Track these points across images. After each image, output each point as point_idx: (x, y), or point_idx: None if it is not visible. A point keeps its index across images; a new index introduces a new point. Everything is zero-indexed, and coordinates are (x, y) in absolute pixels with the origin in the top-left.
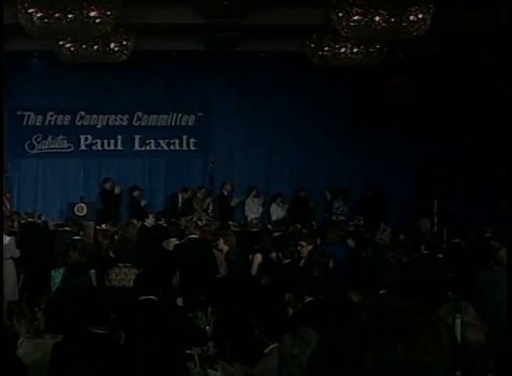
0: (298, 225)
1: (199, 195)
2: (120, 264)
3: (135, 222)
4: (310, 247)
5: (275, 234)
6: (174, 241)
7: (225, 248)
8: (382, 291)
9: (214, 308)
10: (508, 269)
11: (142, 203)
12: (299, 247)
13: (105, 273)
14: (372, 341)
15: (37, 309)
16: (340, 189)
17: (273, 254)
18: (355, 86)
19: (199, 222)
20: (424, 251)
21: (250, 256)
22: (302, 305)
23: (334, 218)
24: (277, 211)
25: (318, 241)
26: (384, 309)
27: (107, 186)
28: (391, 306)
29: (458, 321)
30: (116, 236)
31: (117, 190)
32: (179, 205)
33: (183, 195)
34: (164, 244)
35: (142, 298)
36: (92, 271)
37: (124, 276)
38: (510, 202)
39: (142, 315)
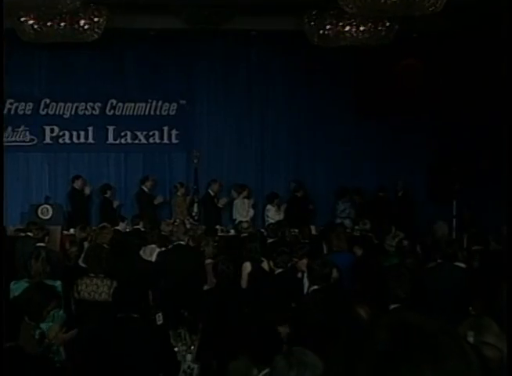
0: (294, 230)
1: (179, 194)
2: (92, 274)
3: (109, 226)
4: (304, 261)
5: (270, 240)
6: (154, 248)
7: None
8: (393, 306)
9: (199, 325)
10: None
11: (115, 204)
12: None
13: (73, 284)
14: (394, 366)
15: None
16: (344, 189)
17: (265, 263)
18: (360, 70)
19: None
20: (440, 260)
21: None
22: (299, 322)
23: (339, 221)
24: (273, 214)
25: (324, 249)
26: (404, 328)
27: (77, 184)
28: (412, 324)
29: (471, 339)
30: (85, 243)
31: (86, 190)
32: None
33: (147, 186)
34: (142, 251)
35: (119, 315)
36: (58, 282)
37: (95, 287)
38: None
39: (113, 334)
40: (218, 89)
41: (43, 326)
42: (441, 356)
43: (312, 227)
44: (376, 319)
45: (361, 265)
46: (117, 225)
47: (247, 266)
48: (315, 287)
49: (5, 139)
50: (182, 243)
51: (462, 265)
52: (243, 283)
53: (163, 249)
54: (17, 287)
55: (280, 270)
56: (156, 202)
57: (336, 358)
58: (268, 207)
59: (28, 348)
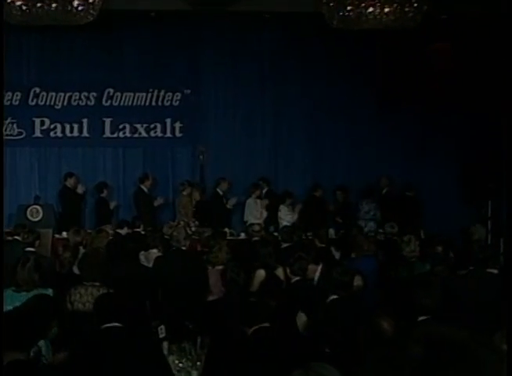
0: (310, 234)
1: (184, 193)
2: (86, 282)
3: (107, 229)
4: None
5: (284, 245)
6: (156, 253)
7: (220, 262)
8: (422, 318)
9: (206, 338)
10: (506, 271)
11: (112, 205)
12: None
13: (66, 294)
14: None
15: None
16: (369, 188)
17: (280, 270)
18: (384, 56)
19: (186, 229)
20: (472, 267)
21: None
22: (316, 335)
23: (363, 224)
24: (287, 216)
25: (336, 254)
26: (438, 341)
27: (70, 183)
28: (448, 337)
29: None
30: (81, 247)
31: (79, 189)
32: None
33: (146, 185)
34: (142, 256)
35: (106, 325)
36: (49, 291)
37: (90, 297)
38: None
39: (107, 349)
40: (226, 77)
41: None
42: (476, 369)
43: (331, 230)
44: (406, 332)
45: (385, 272)
46: (120, 227)
47: (260, 274)
48: (334, 296)
49: None
50: (182, 248)
51: (496, 271)
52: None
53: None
54: (5, 297)
55: (297, 278)
56: (156, 204)
57: (367, 370)
58: (281, 207)
59: None
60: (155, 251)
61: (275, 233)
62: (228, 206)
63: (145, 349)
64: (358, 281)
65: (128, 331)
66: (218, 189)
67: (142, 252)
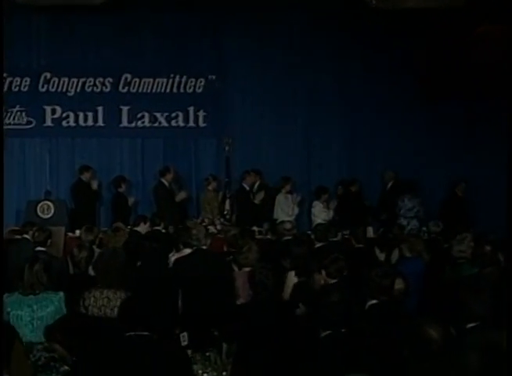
0: (346, 233)
1: (210, 188)
2: (102, 285)
3: (123, 227)
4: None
5: (318, 244)
6: (185, 253)
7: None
8: (471, 325)
9: (232, 346)
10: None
11: (130, 201)
12: None
13: (80, 297)
14: None
15: None
16: (409, 183)
17: (316, 274)
18: (427, 39)
19: (211, 227)
20: None
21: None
22: (354, 343)
23: (405, 222)
24: (322, 213)
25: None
26: (495, 350)
27: (86, 177)
28: (502, 345)
29: None
30: (94, 247)
31: (94, 185)
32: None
33: (167, 179)
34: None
35: (129, 334)
36: (61, 294)
37: (106, 301)
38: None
39: (126, 358)
40: (253, 62)
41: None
42: None
43: (369, 228)
44: (456, 341)
45: (430, 274)
46: (136, 225)
47: (293, 276)
48: (373, 301)
49: None
50: (203, 247)
51: None
52: (286, 297)
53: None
54: (11, 301)
55: (334, 281)
56: (177, 199)
57: None
58: (315, 203)
59: None
60: (187, 250)
61: (309, 232)
62: (256, 202)
63: (174, 361)
64: (399, 284)
65: (155, 340)
66: (245, 184)
67: (174, 253)
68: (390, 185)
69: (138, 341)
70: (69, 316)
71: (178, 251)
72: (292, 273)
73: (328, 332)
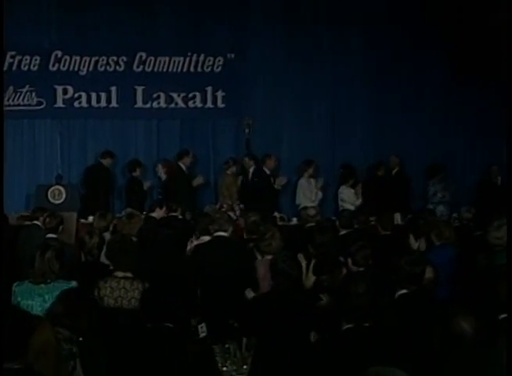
0: (373, 219)
1: (229, 172)
2: (119, 273)
3: (138, 213)
4: None
5: (343, 232)
6: (203, 241)
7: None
8: (503, 316)
9: (252, 339)
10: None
11: (146, 185)
12: None
13: (94, 287)
14: None
15: None
16: (436, 167)
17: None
18: (460, 15)
19: (230, 213)
20: None
21: (305, 264)
22: (381, 335)
23: (432, 207)
24: (349, 197)
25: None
26: None
27: (107, 162)
28: None
29: None
30: (106, 234)
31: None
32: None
33: (185, 162)
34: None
35: (151, 325)
36: (73, 283)
37: (123, 292)
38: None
39: (149, 351)
40: (275, 39)
41: None
42: None
43: (397, 215)
44: (489, 333)
45: (462, 263)
46: (151, 211)
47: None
48: (403, 291)
49: (5, 102)
50: (223, 234)
51: None
52: (307, 286)
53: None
54: (21, 290)
55: (360, 270)
56: (194, 184)
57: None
58: (342, 189)
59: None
60: (207, 237)
61: (334, 218)
62: (276, 187)
63: (200, 354)
64: (429, 273)
65: (179, 332)
66: (265, 168)
67: (193, 239)
68: (395, 171)
69: (163, 333)
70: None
71: (196, 238)
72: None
73: (349, 325)
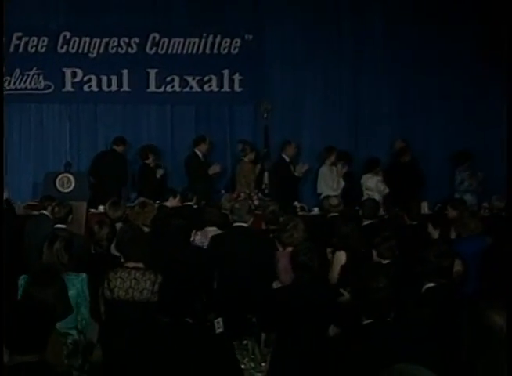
0: (398, 209)
1: (246, 160)
2: (130, 263)
3: (151, 202)
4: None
5: (366, 222)
6: (214, 232)
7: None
8: None
9: (272, 335)
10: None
11: (159, 173)
12: None
13: (104, 279)
14: None
15: None
16: (463, 154)
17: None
18: None
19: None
20: None
21: (330, 255)
22: (407, 330)
23: (459, 196)
24: (375, 186)
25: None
26: None
27: (121, 150)
28: None
29: None
30: (118, 225)
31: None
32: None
33: (201, 149)
34: (198, 236)
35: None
36: (83, 276)
37: (134, 283)
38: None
39: (161, 345)
40: (295, 19)
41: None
42: None
43: (424, 204)
44: None
45: (493, 255)
46: (165, 199)
47: (341, 257)
48: (431, 284)
49: (11, 86)
50: (243, 225)
51: None
52: (333, 279)
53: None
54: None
55: (386, 262)
56: (211, 172)
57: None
58: (368, 176)
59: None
60: (213, 228)
61: (357, 208)
62: (297, 174)
63: (219, 351)
64: (458, 266)
65: (198, 327)
66: (284, 155)
67: (197, 230)
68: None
69: (183, 328)
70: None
71: (198, 230)
72: (340, 254)
73: (370, 321)
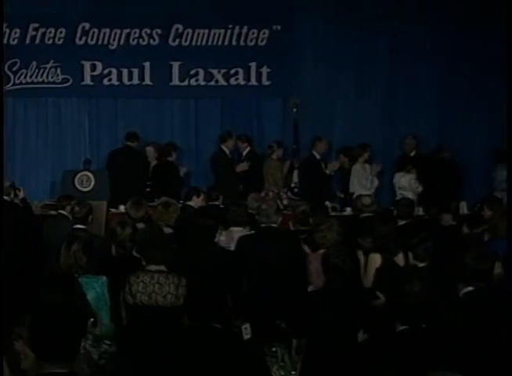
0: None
1: (274, 157)
2: (153, 267)
3: (175, 202)
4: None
5: (401, 222)
6: (239, 232)
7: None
8: None
9: (303, 340)
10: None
11: (182, 171)
12: None
13: (126, 283)
14: None
15: (15, 340)
16: (504, 151)
17: (400, 256)
18: None
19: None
20: None
21: (363, 258)
22: (444, 339)
23: (499, 197)
24: (408, 185)
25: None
26: None
27: (135, 145)
28: None
29: None
30: (139, 225)
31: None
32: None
33: (228, 145)
34: (223, 236)
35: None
36: (103, 279)
37: (157, 287)
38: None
39: (189, 352)
40: (326, 9)
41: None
42: None
43: (463, 203)
44: None
45: None
46: (188, 199)
47: (376, 259)
48: (469, 288)
49: (27, 79)
50: (273, 225)
51: None
52: (368, 282)
53: (247, 233)
54: None
55: (422, 265)
56: (238, 170)
57: None
58: (399, 176)
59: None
60: (239, 229)
61: (392, 207)
62: (327, 172)
63: (250, 358)
64: (498, 268)
65: (227, 333)
66: (315, 152)
67: (222, 231)
68: (413, 154)
69: (212, 334)
70: None
71: (224, 229)
72: (375, 256)
73: (404, 327)
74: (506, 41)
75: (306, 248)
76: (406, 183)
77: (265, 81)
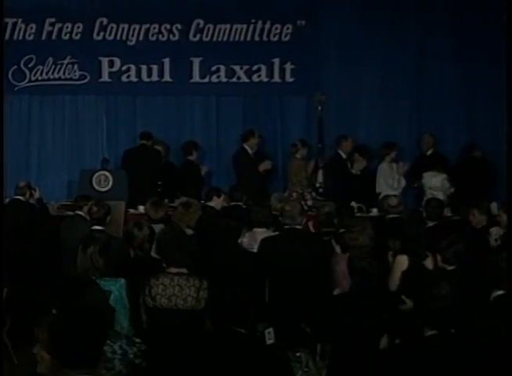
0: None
1: (298, 156)
2: (173, 269)
3: (196, 202)
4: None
5: (430, 224)
6: (263, 233)
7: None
8: None
9: (327, 345)
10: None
11: (203, 170)
12: None
13: (145, 286)
14: None
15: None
16: None
17: (428, 260)
18: None
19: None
20: None
21: (391, 259)
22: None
23: None
24: (440, 185)
25: None
26: None
27: (150, 144)
28: None
29: None
30: (159, 226)
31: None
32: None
33: (251, 144)
34: (246, 238)
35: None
36: (122, 281)
37: (178, 290)
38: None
39: (211, 357)
40: (353, 3)
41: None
42: None
43: (493, 205)
44: None
45: None
46: (209, 199)
47: (402, 261)
48: (500, 292)
49: (44, 76)
50: (297, 227)
51: None
52: (393, 286)
53: (270, 235)
54: None
55: (451, 268)
56: (261, 169)
57: None
58: (430, 175)
59: None
60: (262, 230)
61: (420, 209)
62: (353, 172)
63: (275, 364)
64: None
65: (251, 338)
66: (340, 151)
67: (245, 232)
68: (430, 152)
69: (231, 337)
70: None
71: (247, 231)
72: (402, 258)
73: (433, 332)
74: None
75: (338, 249)
76: (439, 183)
77: (288, 78)
